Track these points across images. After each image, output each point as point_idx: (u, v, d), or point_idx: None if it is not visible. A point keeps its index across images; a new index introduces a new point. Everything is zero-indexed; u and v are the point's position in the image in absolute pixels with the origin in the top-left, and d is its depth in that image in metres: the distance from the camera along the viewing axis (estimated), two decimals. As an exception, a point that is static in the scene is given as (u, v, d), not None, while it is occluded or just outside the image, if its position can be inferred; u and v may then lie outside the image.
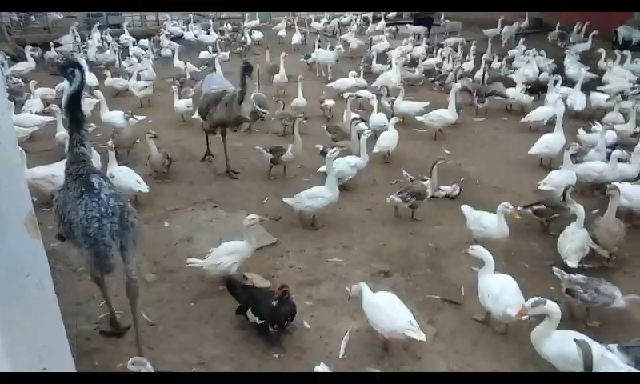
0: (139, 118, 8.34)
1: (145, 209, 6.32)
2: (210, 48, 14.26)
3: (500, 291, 4.22)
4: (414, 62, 13.18)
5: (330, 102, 9.81)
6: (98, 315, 4.54)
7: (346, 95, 9.13)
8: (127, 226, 3.75)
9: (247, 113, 7.17)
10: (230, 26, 17.48)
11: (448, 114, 8.70)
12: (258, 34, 16.68)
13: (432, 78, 12.10)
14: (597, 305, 4.23)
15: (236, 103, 6.78)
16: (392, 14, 21.74)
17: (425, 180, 6.67)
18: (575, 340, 3.41)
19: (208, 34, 16.43)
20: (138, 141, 7.90)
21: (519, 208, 6.01)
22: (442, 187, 6.67)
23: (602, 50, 13.02)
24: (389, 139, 7.69)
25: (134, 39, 15.23)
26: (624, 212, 5.79)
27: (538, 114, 8.93)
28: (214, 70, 11.36)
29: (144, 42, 15.10)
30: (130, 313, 4.08)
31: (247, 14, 19.06)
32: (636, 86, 10.41)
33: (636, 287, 4.76)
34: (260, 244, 5.68)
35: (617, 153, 6.48)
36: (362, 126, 7.58)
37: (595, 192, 6.53)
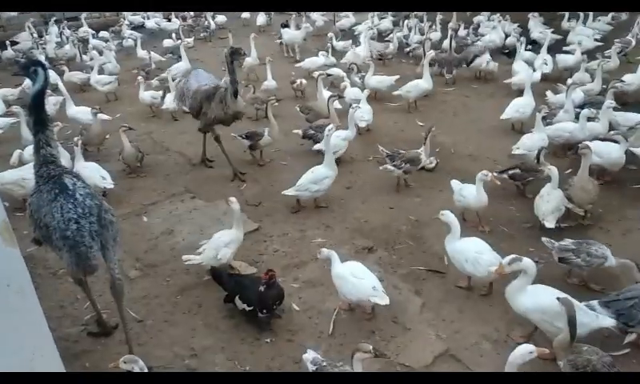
0: (104, 117, 8.04)
1: (122, 205, 6.21)
2: (174, 35, 13.93)
3: (477, 253, 4.31)
4: (381, 36, 13.13)
5: (302, 81, 9.73)
6: (84, 317, 4.48)
7: (315, 74, 9.07)
8: (106, 224, 3.69)
9: (244, 106, 6.77)
10: (191, 12, 17.07)
11: (424, 83, 8.73)
12: (221, 18, 16.34)
13: (407, 50, 12.01)
14: (591, 267, 4.31)
15: (231, 97, 6.33)
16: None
17: (400, 154, 6.76)
18: (558, 298, 3.51)
19: (169, 20, 16.02)
20: (107, 136, 7.72)
21: (495, 174, 6.12)
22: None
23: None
24: (367, 112, 7.72)
25: (94, 31, 14.74)
26: (596, 170, 5.95)
27: (525, 77, 8.83)
28: (179, 57, 11.12)
29: (104, 33, 14.64)
30: (116, 311, 4.03)
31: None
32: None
33: (610, 241, 4.92)
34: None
35: (585, 112, 6.61)
36: (338, 103, 7.61)
37: (567, 152, 6.66)
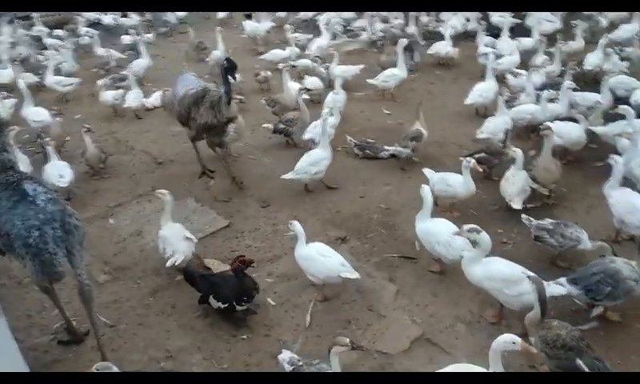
0: (58, 118, 7.71)
1: (87, 208, 6.03)
2: (133, 31, 13.53)
3: (449, 237, 4.32)
4: (345, 27, 13.08)
5: (266, 73, 9.63)
6: (53, 325, 4.34)
7: (281, 66, 8.99)
8: (70, 229, 3.59)
9: (236, 112, 6.34)
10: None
11: (400, 72, 8.73)
12: (182, 11, 16.01)
13: (374, 38, 11.90)
14: (564, 248, 4.41)
15: (225, 106, 5.93)
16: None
17: (368, 143, 6.82)
18: (528, 277, 3.58)
19: (127, 16, 15.58)
20: (68, 138, 7.48)
21: (462, 158, 6.21)
22: (386, 147, 6.78)
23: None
24: (339, 100, 7.77)
25: (49, 29, 14.21)
26: (558, 150, 6.09)
27: (505, 64, 8.90)
28: (139, 54, 10.83)
29: (59, 31, 14.14)
30: (86, 318, 3.93)
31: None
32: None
33: (575, 219, 5.07)
34: (213, 228, 5.61)
35: (546, 94, 6.77)
36: (307, 96, 7.61)
37: (530, 134, 6.81)
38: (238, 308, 4.15)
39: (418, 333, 4.03)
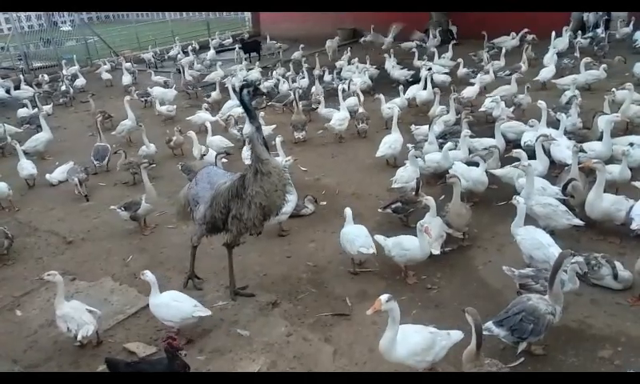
0: None
1: (-13, 303, 5.49)
2: (29, 103, 12.82)
3: (354, 236, 5.33)
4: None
5: (179, 138, 9.50)
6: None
7: (190, 133, 8.90)
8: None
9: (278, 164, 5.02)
10: (46, 77, 15.90)
11: (347, 114, 9.83)
12: (81, 81, 15.52)
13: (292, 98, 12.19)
14: None
15: (263, 147, 4.59)
16: (227, 41, 22.13)
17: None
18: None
19: (19, 88, 14.79)
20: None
21: (380, 210, 6.45)
22: (307, 205, 6.89)
23: (414, 50, 14.63)
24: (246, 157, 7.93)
25: None
26: (465, 193, 6.53)
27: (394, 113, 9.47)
28: (39, 127, 10.24)
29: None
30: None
31: (64, 61, 17.56)
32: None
33: (489, 258, 5.43)
34: (135, 307, 5.31)
35: (449, 144, 7.27)
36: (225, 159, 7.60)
37: (439, 181, 7.24)
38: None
39: (360, 394, 4.00)
